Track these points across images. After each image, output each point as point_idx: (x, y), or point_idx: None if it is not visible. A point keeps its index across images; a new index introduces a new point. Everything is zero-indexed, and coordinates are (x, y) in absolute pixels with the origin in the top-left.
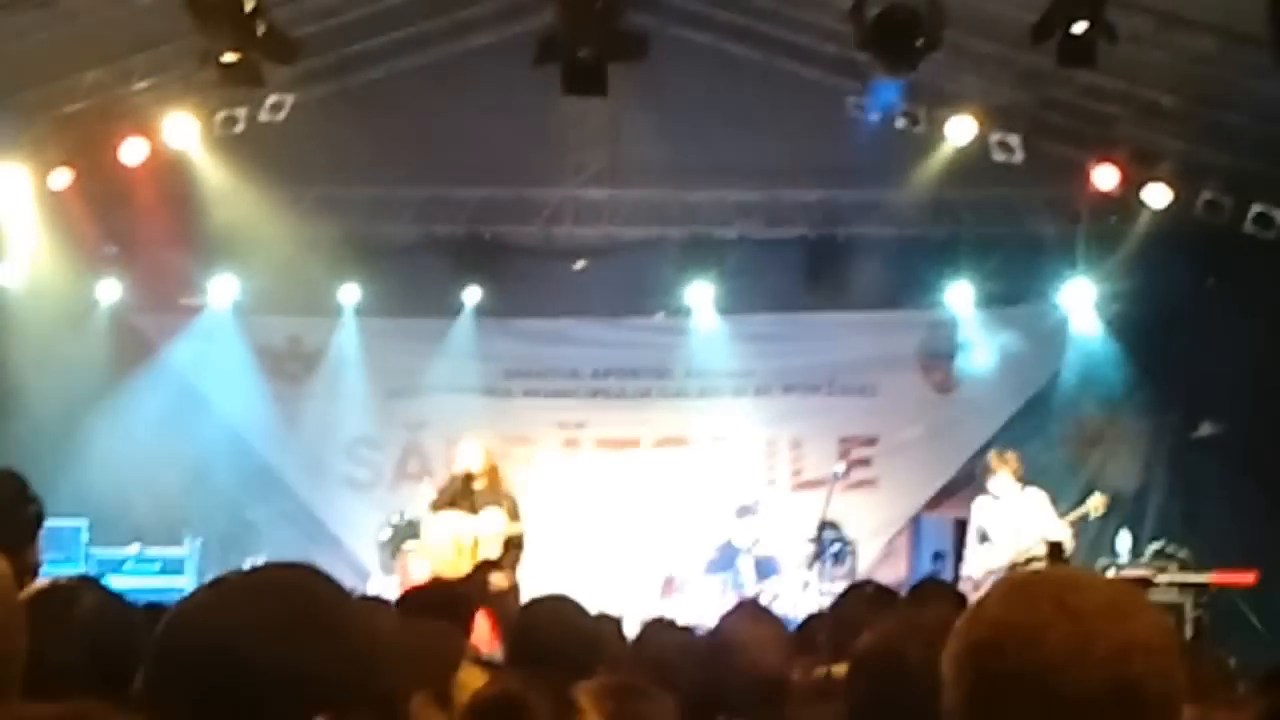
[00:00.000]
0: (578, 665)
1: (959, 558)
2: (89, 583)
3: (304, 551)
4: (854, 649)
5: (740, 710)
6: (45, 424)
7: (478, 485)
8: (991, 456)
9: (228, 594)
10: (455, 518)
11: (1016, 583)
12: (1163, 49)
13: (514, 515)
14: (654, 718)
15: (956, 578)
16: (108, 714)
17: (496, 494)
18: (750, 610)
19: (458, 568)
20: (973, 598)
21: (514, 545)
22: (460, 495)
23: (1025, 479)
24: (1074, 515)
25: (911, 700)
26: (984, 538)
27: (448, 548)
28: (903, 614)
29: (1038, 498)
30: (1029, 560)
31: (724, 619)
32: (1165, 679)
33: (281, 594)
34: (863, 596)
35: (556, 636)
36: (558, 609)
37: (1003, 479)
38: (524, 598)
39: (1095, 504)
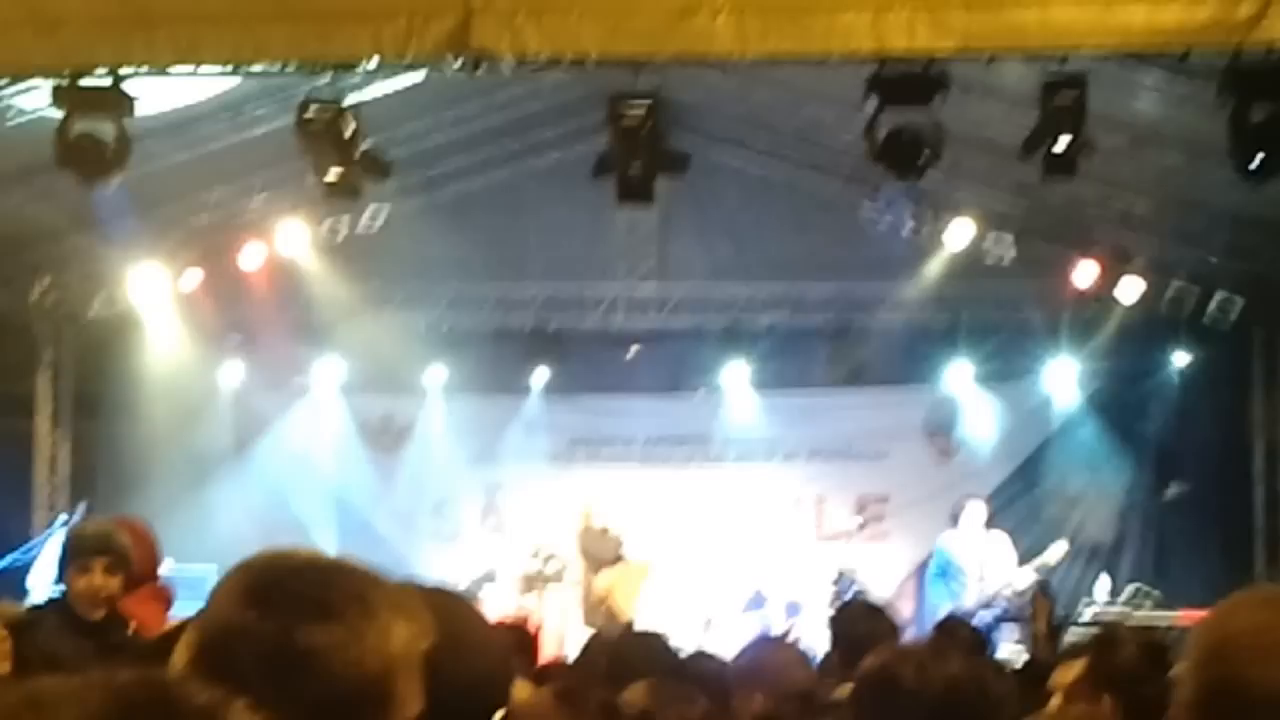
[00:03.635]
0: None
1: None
2: None
3: None
4: (857, 673)
5: None
6: (180, 486)
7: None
8: (966, 499)
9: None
10: None
11: (1256, 597)
12: (1136, 162)
13: None
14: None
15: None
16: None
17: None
18: (769, 640)
19: None
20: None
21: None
22: None
23: (993, 525)
24: (1037, 561)
25: (908, 718)
26: (946, 574)
27: None
28: (893, 646)
29: (1001, 540)
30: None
31: (747, 647)
32: None
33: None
34: (857, 611)
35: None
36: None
37: (973, 517)
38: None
39: (1056, 550)
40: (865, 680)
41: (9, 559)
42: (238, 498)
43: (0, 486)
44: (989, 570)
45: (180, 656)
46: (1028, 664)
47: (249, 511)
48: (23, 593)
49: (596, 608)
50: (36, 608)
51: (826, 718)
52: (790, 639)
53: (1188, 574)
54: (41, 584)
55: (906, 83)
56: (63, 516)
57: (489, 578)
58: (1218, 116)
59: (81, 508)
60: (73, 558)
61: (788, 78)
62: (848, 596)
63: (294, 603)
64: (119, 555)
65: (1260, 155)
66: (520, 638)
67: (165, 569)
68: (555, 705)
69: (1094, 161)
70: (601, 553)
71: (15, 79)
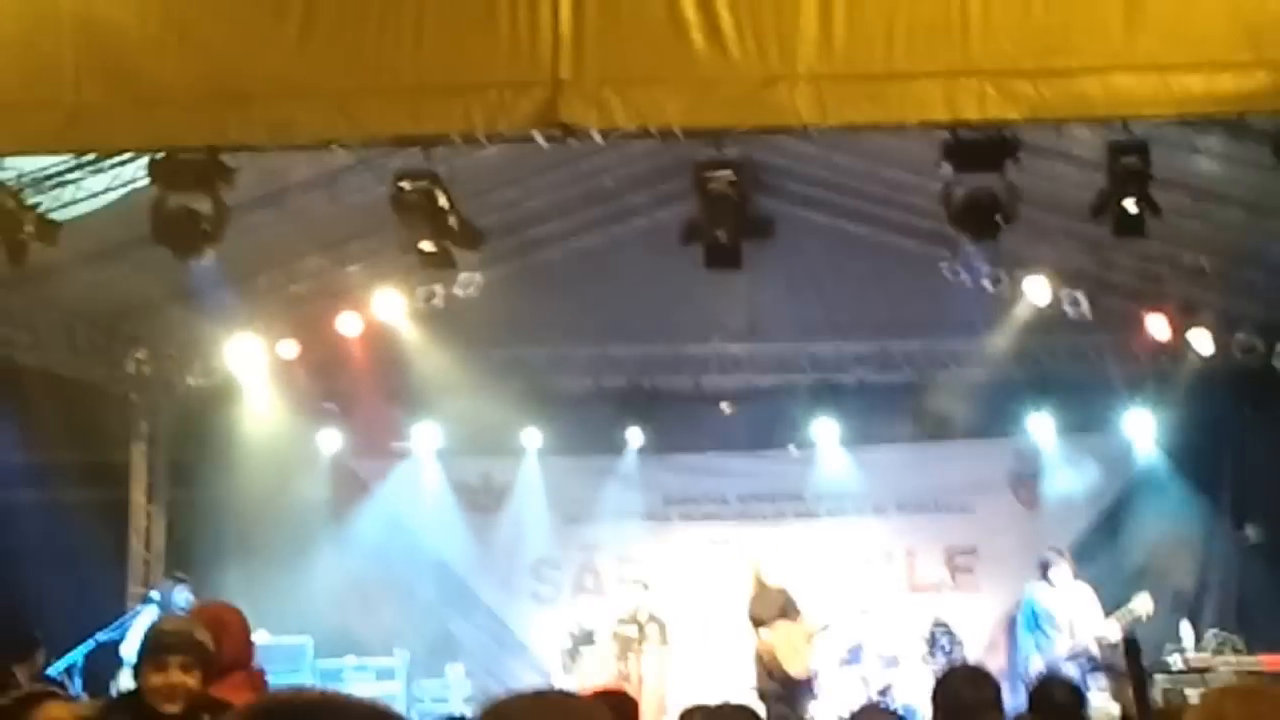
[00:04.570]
0: None
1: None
2: None
3: (496, 658)
4: None
5: None
6: (277, 554)
7: None
8: (1051, 552)
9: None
10: None
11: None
12: (1200, 219)
13: None
14: None
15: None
16: None
17: None
18: (875, 710)
19: None
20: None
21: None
22: None
23: (1078, 576)
24: (1121, 612)
25: None
26: (1036, 625)
27: None
28: (1000, 708)
29: (1087, 592)
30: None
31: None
32: None
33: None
34: (961, 677)
35: None
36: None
37: (1061, 571)
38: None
39: (1141, 602)
40: None
41: (104, 633)
42: (336, 565)
43: (96, 557)
44: (1077, 621)
45: None
46: None
47: (347, 578)
48: (118, 664)
49: (760, 665)
50: (112, 702)
51: None
52: (887, 700)
53: (1270, 619)
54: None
55: (979, 149)
56: (155, 591)
57: (587, 639)
58: (1275, 174)
59: (181, 590)
60: (150, 654)
61: (867, 142)
62: (943, 648)
63: None
64: (197, 654)
65: None
66: (621, 707)
67: (260, 640)
68: None
69: (1160, 219)
70: (764, 611)
71: (112, 155)
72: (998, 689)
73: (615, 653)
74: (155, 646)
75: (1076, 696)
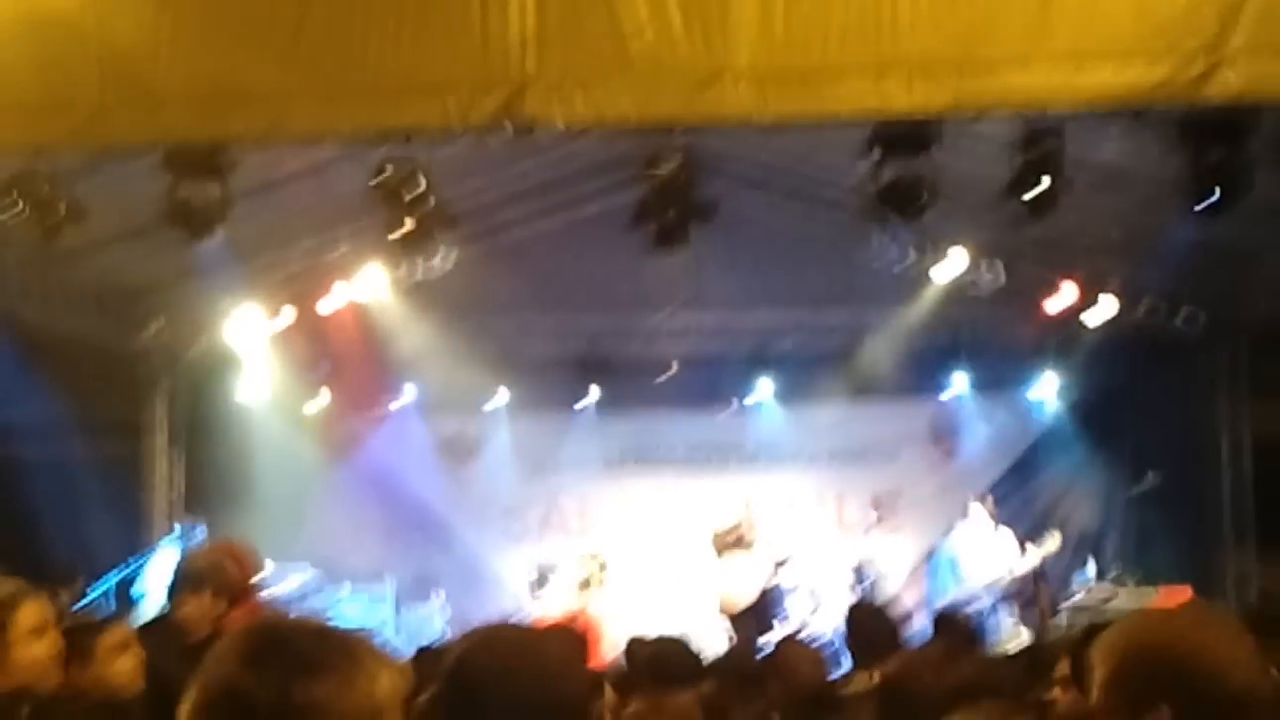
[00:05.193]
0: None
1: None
2: None
3: (473, 587)
4: (878, 678)
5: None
6: (279, 500)
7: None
8: (973, 499)
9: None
10: None
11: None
12: (1108, 197)
13: None
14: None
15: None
16: None
17: None
18: (794, 641)
19: None
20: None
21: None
22: None
23: (998, 520)
24: (1034, 549)
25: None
26: (952, 564)
27: None
28: (911, 651)
29: (1007, 535)
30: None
31: (777, 647)
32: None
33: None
34: (865, 611)
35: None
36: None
37: (980, 515)
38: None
39: (1051, 541)
40: (883, 687)
41: (128, 567)
42: (330, 508)
43: (121, 500)
44: (993, 559)
45: (184, 716)
46: (1033, 649)
47: (341, 520)
48: (137, 594)
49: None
50: (144, 627)
51: (837, 713)
52: (805, 635)
53: (1165, 555)
54: (156, 588)
55: (904, 136)
56: (179, 527)
57: (551, 573)
58: (1179, 154)
59: (199, 529)
60: (185, 582)
61: (802, 129)
62: (867, 584)
63: (290, 662)
64: (226, 583)
65: (1213, 194)
66: (578, 637)
67: (267, 569)
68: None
69: (1071, 196)
70: (722, 546)
71: (124, 153)
72: (898, 621)
73: (574, 586)
74: (191, 575)
75: (973, 625)
